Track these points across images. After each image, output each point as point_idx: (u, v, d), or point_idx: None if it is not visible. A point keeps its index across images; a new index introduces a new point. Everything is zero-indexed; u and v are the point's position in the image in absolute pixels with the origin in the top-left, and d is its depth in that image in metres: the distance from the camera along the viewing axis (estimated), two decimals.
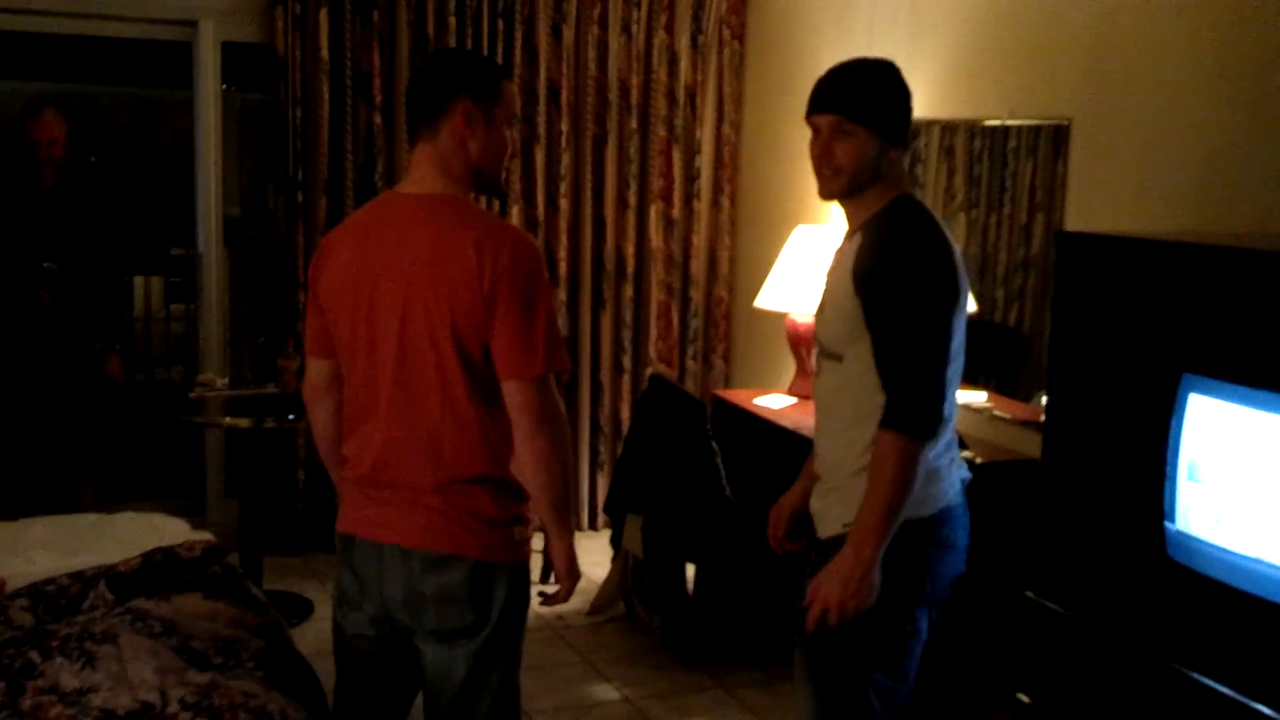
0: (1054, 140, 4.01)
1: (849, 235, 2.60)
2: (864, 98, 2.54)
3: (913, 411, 2.42)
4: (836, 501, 2.58)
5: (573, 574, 2.54)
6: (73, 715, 2.36)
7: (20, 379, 4.53)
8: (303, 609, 4.63)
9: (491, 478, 2.43)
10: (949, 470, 2.61)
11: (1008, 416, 4.19)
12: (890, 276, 2.45)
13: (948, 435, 2.59)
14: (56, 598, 2.93)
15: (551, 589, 2.58)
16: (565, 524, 2.50)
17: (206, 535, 3.42)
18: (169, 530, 3.63)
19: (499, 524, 2.44)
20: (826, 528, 2.61)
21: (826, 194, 2.59)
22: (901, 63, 4.56)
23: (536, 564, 2.59)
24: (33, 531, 3.60)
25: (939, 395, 2.46)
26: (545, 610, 4.69)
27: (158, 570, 3.00)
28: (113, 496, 5.00)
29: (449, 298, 2.33)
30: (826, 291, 2.61)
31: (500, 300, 2.33)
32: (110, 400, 4.57)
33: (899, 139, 2.55)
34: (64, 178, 4.62)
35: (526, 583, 2.54)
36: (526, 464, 2.41)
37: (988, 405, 4.29)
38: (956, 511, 2.64)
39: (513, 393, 2.37)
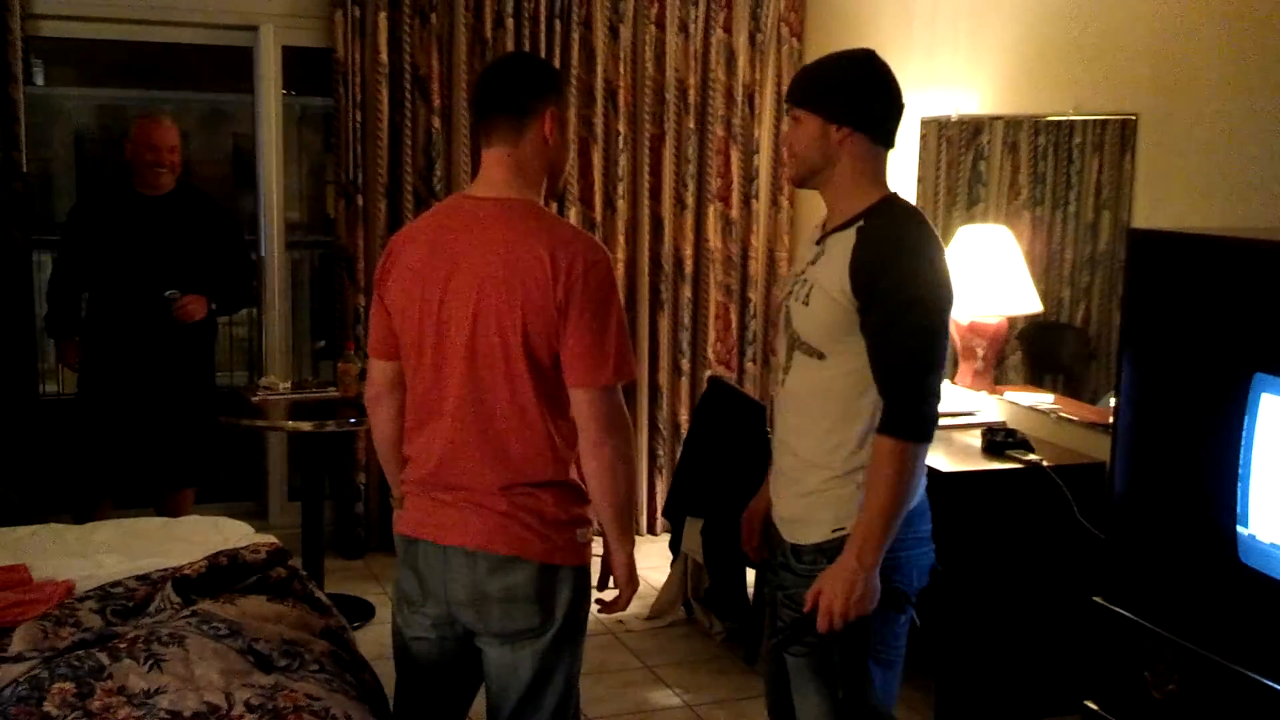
0: (1121, 135, 3.95)
1: (830, 232, 2.55)
2: (807, 83, 2.58)
3: (914, 417, 2.42)
4: (822, 505, 2.53)
5: (632, 582, 2.54)
6: (140, 717, 2.38)
7: (139, 383, 4.62)
8: (364, 612, 4.65)
9: (556, 482, 2.43)
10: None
11: (1075, 418, 4.12)
12: (893, 280, 2.42)
13: None
14: (124, 600, 2.96)
15: (609, 595, 2.58)
16: (627, 532, 2.50)
17: (271, 538, 3.44)
18: (232, 533, 3.65)
19: (563, 526, 2.44)
20: (809, 533, 2.55)
21: (789, 179, 2.59)
22: (964, 57, 4.59)
23: (595, 569, 2.57)
24: (100, 534, 3.64)
25: (937, 399, 2.46)
26: (605, 615, 4.66)
27: (223, 573, 3.02)
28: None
29: (522, 303, 2.33)
30: (812, 287, 2.53)
31: (573, 308, 2.33)
32: (218, 406, 4.65)
33: (857, 122, 2.51)
34: (181, 185, 4.70)
35: (588, 584, 2.54)
36: (592, 471, 2.41)
37: (1054, 407, 4.23)
38: (923, 505, 2.61)
39: (581, 400, 2.38)
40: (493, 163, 2.45)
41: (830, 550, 2.48)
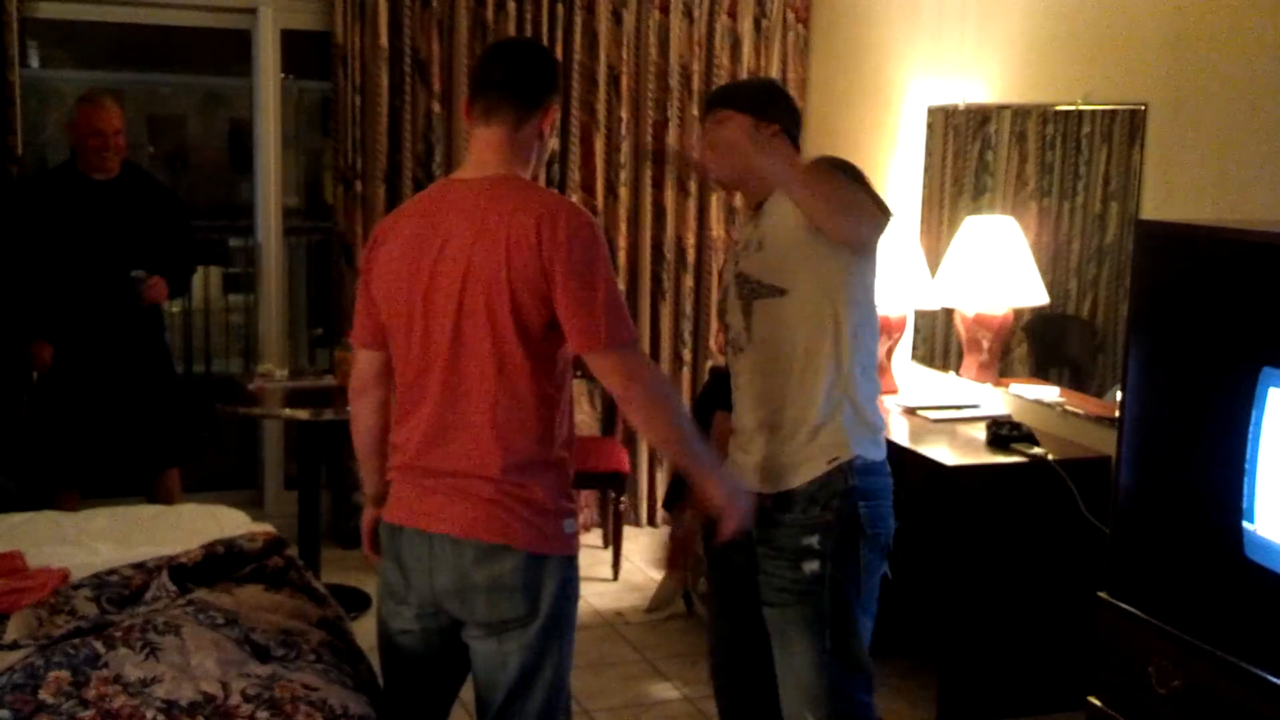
0: (1130, 126, 3.92)
1: (764, 201, 2.73)
2: (734, 90, 2.87)
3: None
4: (814, 446, 2.63)
5: (731, 508, 2.45)
6: (136, 705, 2.36)
7: (100, 369, 4.57)
8: (360, 602, 4.62)
9: (546, 462, 2.42)
10: (880, 424, 2.73)
11: (1081, 412, 4.10)
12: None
13: (877, 388, 2.74)
14: (119, 588, 2.94)
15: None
16: (703, 462, 2.45)
17: (267, 527, 3.41)
18: (229, 522, 3.62)
19: (552, 515, 2.43)
20: (802, 473, 2.65)
21: (717, 178, 2.87)
22: (972, 45, 4.56)
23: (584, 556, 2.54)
24: (95, 522, 3.61)
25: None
26: (604, 607, 4.69)
27: (219, 562, 3.00)
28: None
29: (507, 271, 2.32)
30: (763, 237, 2.68)
31: (559, 274, 2.32)
32: (188, 386, 4.62)
33: (784, 123, 2.75)
34: (126, 167, 4.64)
35: (577, 575, 2.52)
36: (638, 424, 2.45)
37: (1060, 400, 4.21)
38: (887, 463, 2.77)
39: (594, 364, 2.37)
40: (487, 142, 2.44)
41: (827, 485, 2.61)
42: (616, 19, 5.36)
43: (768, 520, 2.67)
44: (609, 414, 5.38)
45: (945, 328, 4.72)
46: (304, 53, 5.67)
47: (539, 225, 2.32)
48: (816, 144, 5.63)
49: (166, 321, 4.94)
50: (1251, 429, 2.92)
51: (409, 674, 2.58)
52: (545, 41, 5.24)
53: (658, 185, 5.52)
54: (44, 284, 4.52)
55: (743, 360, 2.75)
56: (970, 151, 4.63)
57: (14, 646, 2.57)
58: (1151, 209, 3.82)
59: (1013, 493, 3.84)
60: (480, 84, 2.47)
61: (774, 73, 5.61)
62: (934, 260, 4.61)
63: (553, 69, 2.52)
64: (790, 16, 5.60)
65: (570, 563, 2.48)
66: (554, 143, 2.67)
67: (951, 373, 4.65)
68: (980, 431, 4.08)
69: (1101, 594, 3.15)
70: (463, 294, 2.35)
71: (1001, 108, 4.46)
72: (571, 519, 2.47)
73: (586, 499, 5.40)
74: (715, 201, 5.58)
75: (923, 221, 4.88)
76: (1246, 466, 2.93)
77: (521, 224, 2.32)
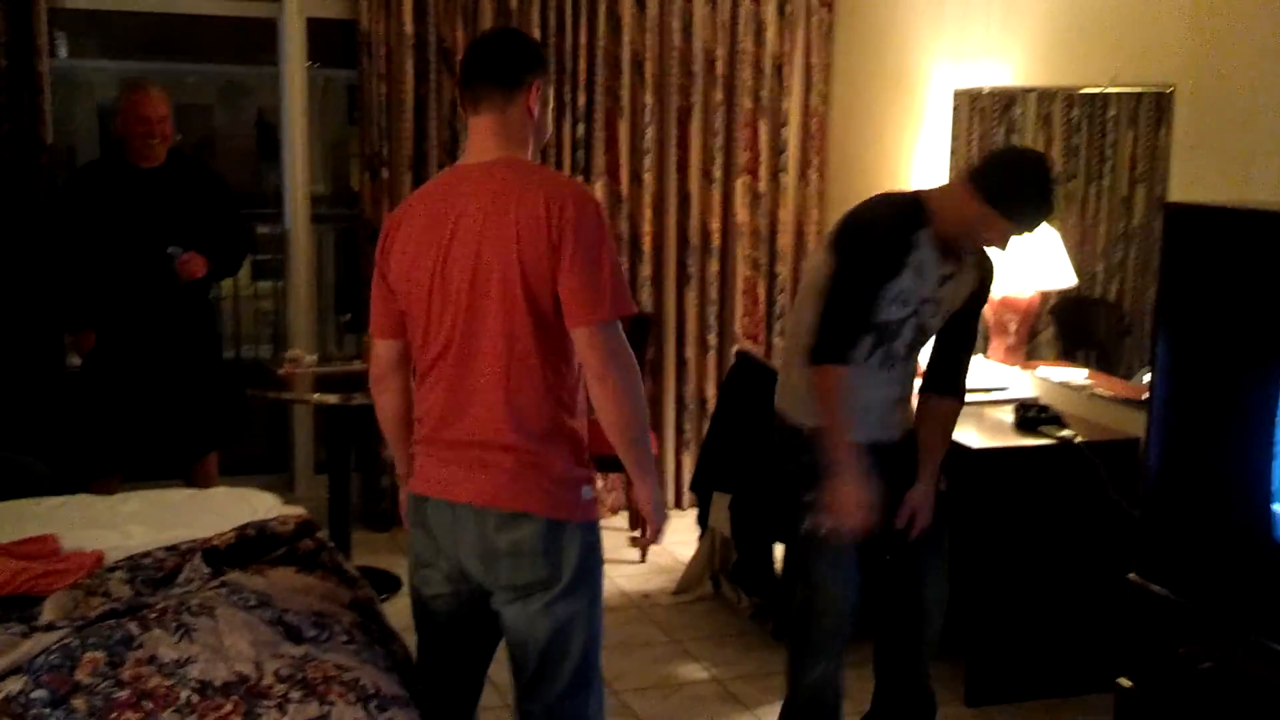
0: (1156, 108, 3.89)
1: (957, 258, 3.16)
2: None
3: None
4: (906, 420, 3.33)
5: (658, 512, 2.59)
6: (171, 686, 2.38)
7: (148, 355, 4.57)
8: (390, 584, 4.65)
9: (560, 433, 2.48)
10: None
11: (1108, 394, 4.09)
12: (985, 299, 3.32)
13: None
14: (153, 570, 2.97)
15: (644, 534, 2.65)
16: (645, 464, 2.54)
17: (298, 510, 3.44)
18: (260, 505, 3.64)
19: (568, 484, 2.50)
20: (899, 433, 3.31)
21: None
22: (997, 28, 4.55)
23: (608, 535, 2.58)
24: (128, 505, 3.64)
25: None
26: (632, 589, 4.71)
27: (252, 544, 3.02)
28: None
29: (517, 249, 2.40)
30: (942, 303, 3.18)
31: (566, 250, 2.39)
32: (227, 370, 4.61)
33: None
34: (174, 154, 4.64)
35: (599, 541, 2.59)
36: (600, 408, 2.46)
37: (1088, 383, 4.19)
38: None
39: (581, 338, 2.43)
40: (481, 129, 2.53)
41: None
42: (640, 4, 5.35)
43: (904, 458, 3.25)
44: None
45: None
46: (330, 41, 5.68)
47: (548, 203, 2.40)
48: (841, 129, 5.63)
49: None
50: None
51: (444, 639, 2.66)
52: (569, 27, 5.25)
53: (682, 171, 5.52)
54: (91, 273, 4.53)
55: (892, 373, 3.22)
56: (996, 135, 4.61)
57: (50, 628, 2.60)
58: (1179, 192, 3.80)
59: (1041, 475, 3.83)
60: (465, 76, 2.56)
61: (798, 58, 5.59)
62: None
63: (529, 49, 2.59)
64: (814, 1, 5.57)
65: (591, 528, 2.56)
66: (552, 124, 2.70)
67: (979, 356, 4.64)
68: (1008, 414, 4.07)
69: (1131, 576, 3.14)
70: (475, 272, 2.43)
71: (1027, 91, 4.44)
72: (589, 486, 2.55)
73: (613, 482, 5.40)
74: (740, 187, 5.58)
75: None
76: (1275, 449, 2.92)
77: (531, 203, 2.40)
